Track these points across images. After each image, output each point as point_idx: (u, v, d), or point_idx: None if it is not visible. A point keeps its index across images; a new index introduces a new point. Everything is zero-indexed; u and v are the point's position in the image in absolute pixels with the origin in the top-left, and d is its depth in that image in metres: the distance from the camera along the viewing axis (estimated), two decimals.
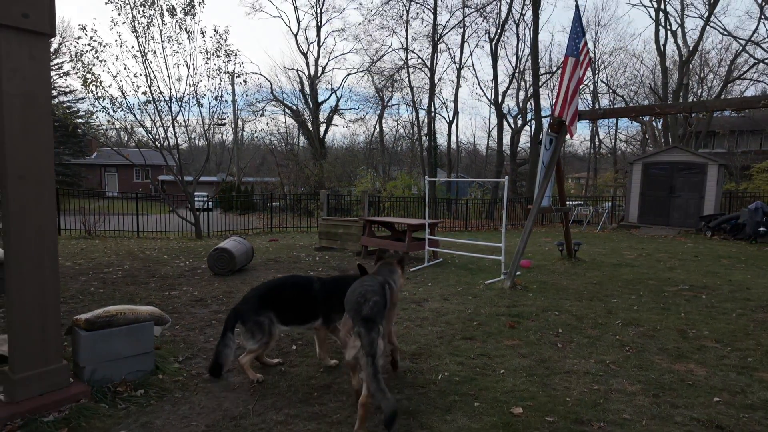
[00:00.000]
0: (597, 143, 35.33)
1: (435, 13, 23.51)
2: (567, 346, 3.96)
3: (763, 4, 24.50)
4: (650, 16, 26.63)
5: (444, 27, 24.39)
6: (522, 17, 24.37)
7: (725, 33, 25.52)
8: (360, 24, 28.38)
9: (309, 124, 30.30)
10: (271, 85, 28.93)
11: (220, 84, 12.25)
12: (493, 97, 25.75)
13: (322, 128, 30.75)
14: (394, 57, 28.96)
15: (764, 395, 3.04)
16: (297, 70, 30.15)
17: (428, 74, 24.78)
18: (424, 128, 27.95)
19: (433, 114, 24.80)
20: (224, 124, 14.50)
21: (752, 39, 24.21)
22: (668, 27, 25.00)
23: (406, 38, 25.97)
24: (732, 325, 4.56)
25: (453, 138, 29.41)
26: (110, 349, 2.97)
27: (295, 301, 3.37)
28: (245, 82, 13.48)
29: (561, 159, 7.08)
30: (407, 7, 25.16)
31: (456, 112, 26.37)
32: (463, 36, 24.23)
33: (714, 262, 8.61)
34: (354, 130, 38.97)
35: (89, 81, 10.67)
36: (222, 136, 13.32)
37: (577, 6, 5.96)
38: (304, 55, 30.09)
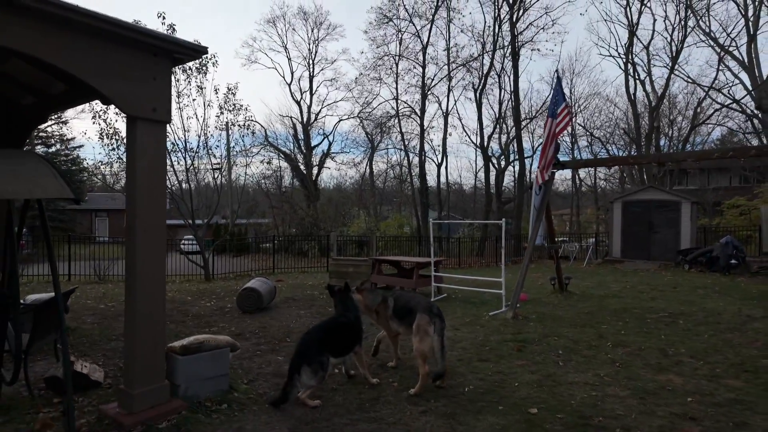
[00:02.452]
0: (578, 182, 36.98)
1: (424, 68, 25.35)
2: (567, 364, 4.69)
3: (722, 54, 26.90)
4: (620, 67, 28.89)
5: (432, 79, 26.16)
6: (503, 68, 26.27)
7: (689, 80, 27.77)
8: (356, 79, 29.91)
9: (302, 168, 31.36)
10: (266, 131, 30.03)
11: (230, 134, 13.15)
12: (479, 141, 27.25)
13: (315, 171, 31.83)
14: (384, 104, 30.55)
15: (728, 396, 3.79)
16: (291, 117, 31.50)
17: (418, 121, 26.28)
18: (414, 170, 29.21)
19: (423, 158, 26.09)
20: (219, 169, 15.26)
21: (713, 86, 26.37)
22: (636, 76, 27.13)
23: (396, 89, 27.65)
24: (704, 344, 5.35)
25: (442, 179, 30.71)
26: (199, 370, 3.62)
27: (343, 337, 4.04)
28: (252, 133, 14.43)
29: (549, 200, 8.01)
30: (397, 62, 26.96)
31: (445, 155, 27.67)
32: (449, 87, 25.97)
33: (691, 292, 9.48)
34: (345, 172, 40.32)
35: (110, 134, 11.48)
36: (217, 180, 14.12)
37: (558, 77, 7.07)
38: (298, 102, 31.55)
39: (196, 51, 3.46)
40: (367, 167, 34.90)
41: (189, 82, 12.57)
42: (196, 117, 12.92)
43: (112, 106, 9.00)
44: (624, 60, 26.95)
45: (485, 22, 38.17)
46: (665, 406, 3.60)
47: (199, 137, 12.98)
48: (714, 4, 34.67)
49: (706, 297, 8.77)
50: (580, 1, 56.18)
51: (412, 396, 3.81)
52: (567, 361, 4.79)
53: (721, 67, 26.69)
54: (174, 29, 11.66)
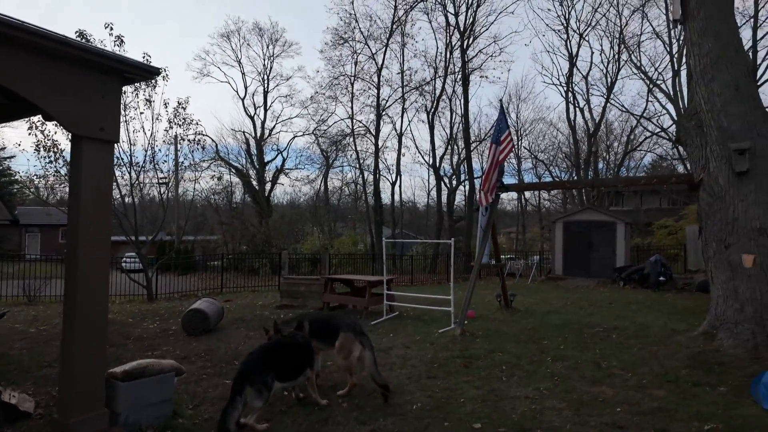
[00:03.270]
0: (524, 201, 38.61)
1: (378, 89, 25.88)
2: (510, 379, 4.91)
3: (651, 86, 29.35)
4: (561, 95, 30.82)
5: (387, 100, 26.72)
6: (454, 92, 27.30)
7: (623, 109, 30.02)
8: (311, 97, 29.97)
9: (254, 183, 30.82)
10: (217, 145, 29.37)
11: (179, 148, 12.81)
12: (431, 161, 27.95)
13: (268, 187, 31.37)
14: (340, 123, 30.80)
15: (652, 404, 4.12)
16: (244, 132, 31.02)
17: (373, 141, 26.67)
18: (369, 187, 29.48)
19: (378, 176, 26.42)
20: (166, 184, 14.77)
21: (644, 115, 28.64)
22: (576, 104, 29.00)
23: (352, 108, 27.99)
24: (634, 356, 5.76)
25: (396, 197, 31.17)
26: (141, 396, 3.50)
27: (291, 359, 3.95)
28: (203, 147, 14.12)
29: (495, 220, 8.43)
30: (352, 82, 27.35)
31: (399, 173, 28.17)
32: (403, 108, 26.62)
33: (624, 307, 10.15)
34: (299, 188, 39.90)
35: (48, 147, 10.87)
36: (163, 195, 13.45)
37: (501, 106, 7.55)
38: (251, 117, 31.16)
39: (148, 72, 3.45)
40: (322, 184, 34.85)
41: (137, 94, 12.19)
42: (143, 130, 12.50)
43: None
44: (565, 89, 28.76)
45: (437, 48, 39.62)
46: (597, 416, 3.86)
47: (146, 151, 12.55)
48: (644, 41, 37.83)
49: (637, 312, 9.42)
50: (525, 32, 59.73)
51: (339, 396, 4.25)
52: (510, 376, 5.02)
53: (650, 98, 29.07)
54: (122, 41, 11.33)
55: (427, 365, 5.40)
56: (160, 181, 14.19)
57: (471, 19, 25.17)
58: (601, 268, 17.38)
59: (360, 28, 26.43)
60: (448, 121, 28.94)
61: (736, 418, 3.72)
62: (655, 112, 29.70)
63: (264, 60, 31.74)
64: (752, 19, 22.93)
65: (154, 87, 12.58)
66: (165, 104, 12.51)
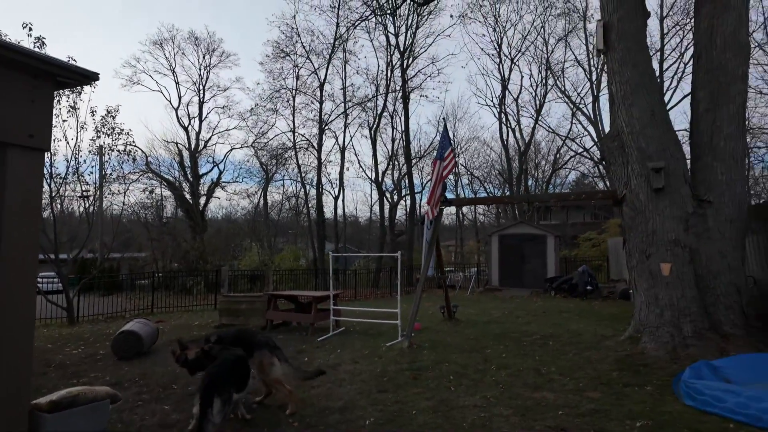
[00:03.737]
0: (461, 216, 39.97)
1: (321, 104, 25.86)
2: (458, 388, 5.02)
3: (574, 109, 31.74)
4: (494, 116, 32.54)
5: (329, 115, 26.74)
6: (395, 110, 27.92)
7: (550, 130, 32.20)
8: (251, 109, 29.21)
9: (188, 197, 29.40)
10: (147, 157, 27.77)
11: (106, 159, 11.99)
12: (374, 176, 28.21)
13: (202, 200, 30.06)
14: (281, 136, 30.32)
15: (589, 406, 4.38)
16: (177, 143, 29.61)
17: (316, 155, 26.49)
18: (311, 201, 29.16)
19: (321, 190, 26.22)
20: (90, 197, 13.72)
21: (569, 136, 30.88)
22: (508, 124, 30.72)
23: (293, 122, 27.69)
24: (570, 362, 6.11)
25: (339, 211, 31.04)
26: (72, 428, 3.19)
27: (243, 372, 3.95)
28: (134, 159, 13.30)
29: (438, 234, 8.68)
30: (294, 95, 27.12)
31: (342, 188, 28.11)
32: (345, 123, 26.76)
33: (557, 315, 10.74)
34: (237, 202, 38.46)
35: None
36: (87, 209, 12.29)
37: (444, 123, 7.84)
38: (185, 128, 29.86)
39: (84, 76, 3.23)
40: (262, 198, 33.96)
41: (59, 101, 11.28)
42: (66, 139, 11.56)
43: None
44: (498, 110, 30.39)
45: (378, 66, 40.46)
46: (541, 420, 4.04)
47: (68, 161, 11.60)
48: (567, 67, 40.98)
49: (569, 319, 10.01)
50: (462, 54, 62.63)
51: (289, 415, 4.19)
52: (458, 385, 5.13)
53: (574, 121, 31.46)
54: (43, 42, 10.47)
55: (376, 379, 5.39)
56: (84, 194, 13.16)
57: (410, 40, 26.01)
58: (534, 279, 18.33)
59: (302, 43, 26.38)
60: (390, 137, 29.47)
61: (663, 414, 4.06)
62: (578, 133, 32.10)
63: (200, 70, 30.69)
64: (658, 53, 25.64)
65: (80, 93, 11.74)
66: (92, 112, 11.66)
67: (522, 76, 35.03)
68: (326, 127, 26.39)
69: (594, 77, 30.88)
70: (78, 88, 11.55)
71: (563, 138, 31.54)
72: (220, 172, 31.14)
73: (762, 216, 6.10)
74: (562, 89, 31.58)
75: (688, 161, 6.56)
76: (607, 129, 31.87)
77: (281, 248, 33.46)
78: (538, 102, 30.53)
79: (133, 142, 12.76)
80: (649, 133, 6.40)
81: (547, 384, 5.17)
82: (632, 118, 6.51)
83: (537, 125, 29.86)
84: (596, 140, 31.22)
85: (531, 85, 33.24)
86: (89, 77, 3.25)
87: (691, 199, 6.19)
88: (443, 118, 8.05)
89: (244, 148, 31.65)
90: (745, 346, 5.51)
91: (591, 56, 30.88)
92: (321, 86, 26.03)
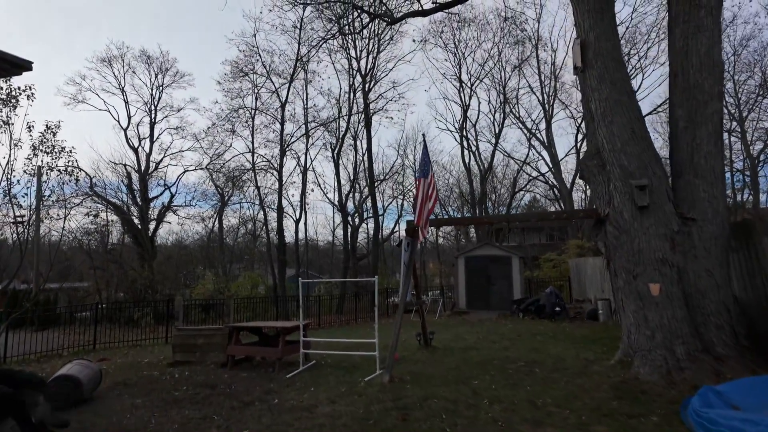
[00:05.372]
0: (424, 239, 40.00)
1: (282, 124, 25.20)
2: (454, 429, 4.50)
3: (529, 135, 32.81)
4: (455, 140, 33.05)
5: (291, 136, 26.11)
6: (358, 132, 27.73)
7: (506, 155, 33.07)
8: (207, 129, 28.02)
9: (137, 222, 27.58)
10: (92, 179, 25.91)
11: (44, 180, 10.81)
12: (337, 199, 27.65)
13: (152, 226, 28.28)
14: (239, 157, 29.27)
15: None
16: (125, 165, 27.88)
17: (276, 176, 25.66)
18: (271, 224, 28.11)
19: (282, 213, 25.31)
20: (23, 221, 12.34)
21: (525, 161, 31.78)
22: (469, 148, 31.26)
23: (252, 142, 26.80)
24: (563, 391, 5.74)
25: (300, 235, 30.09)
26: None
27: None
28: (77, 180, 12.11)
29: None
30: (253, 115, 26.36)
31: (304, 211, 27.29)
32: (307, 144, 26.21)
33: (532, 339, 10.48)
34: (191, 226, 36.36)
35: None
36: (20, 236, 10.90)
37: (424, 141, 7.55)
38: (135, 150, 28.22)
39: (14, 65, 2.58)
40: (216, 222, 32.47)
41: None
42: None
43: None
44: (459, 134, 30.89)
45: (341, 88, 40.40)
46: None
47: None
48: (522, 95, 42.57)
49: (546, 343, 9.75)
50: (423, 79, 64.15)
51: None
52: (453, 425, 4.61)
53: (530, 146, 32.48)
54: None
55: (360, 423, 4.77)
56: (18, 219, 11.78)
57: (372, 64, 26.07)
58: (500, 301, 18.20)
59: (263, 62, 25.80)
60: (351, 160, 29.15)
61: None
62: (533, 158, 33.11)
63: (152, 89, 29.30)
64: None
65: (14, 107, 10.59)
66: (29, 128, 10.50)
67: (479, 102, 35.99)
68: (287, 148, 25.72)
69: (547, 104, 32.18)
70: (12, 102, 10.44)
71: (520, 164, 32.45)
72: (172, 195, 29.50)
73: (741, 233, 6.09)
74: (517, 116, 32.65)
75: (669, 179, 6.52)
76: (560, 154, 33.06)
77: (237, 275, 31.94)
78: (496, 127, 31.32)
79: (76, 162, 11.54)
80: (630, 150, 6.32)
81: (547, 418, 4.75)
82: (613, 135, 6.43)
83: (496, 150, 30.53)
84: (550, 166, 32.35)
85: (490, 111, 34.08)
86: (19, 66, 2.61)
87: (676, 216, 6.11)
88: (423, 135, 7.69)
89: (198, 170, 30.09)
90: (740, 367, 5.35)
91: (543, 84, 32.25)
92: (282, 106, 25.44)
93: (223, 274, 29.39)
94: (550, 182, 33.72)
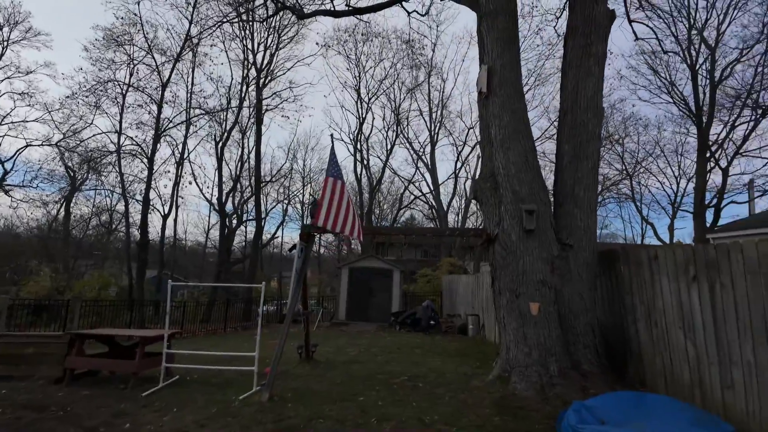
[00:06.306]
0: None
1: (160, 107, 22.52)
2: None
3: (415, 156, 34.36)
4: (348, 151, 33.20)
5: (170, 120, 23.48)
6: (247, 128, 26.13)
7: (394, 173, 34.16)
8: (65, 98, 23.80)
9: None
10: None
11: None
12: (216, 196, 25.58)
13: None
14: (100, 135, 25.39)
15: None
16: None
17: (147, 164, 22.79)
18: (132, 218, 24.81)
19: (148, 206, 22.49)
20: None
21: (411, 180, 33.16)
22: (362, 161, 31.58)
23: (120, 122, 23.50)
24: (449, 407, 5.72)
25: (168, 232, 27.10)
26: None
27: None
28: None
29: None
30: (125, 92, 23.21)
31: (175, 206, 24.64)
32: (186, 132, 23.84)
33: (411, 352, 10.59)
34: (30, 211, 30.13)
35: None
36: None
37: (332, 140, 7.15)
38: None
39: None
40: (63, 209, 27.73)
41: None
42: None
43: None
44: (353, 146, 31.05)
45: (233, 78, 37.92)
46: None
47: None
48: (413, 118, 44.60)
49: (425, 356, 9.90)
50: (321, 85, 63.67)
51: None
52: None
53: (416, 167, 34.03)
54: None
55: None
56: None
57: (269, 60, 24.93)
58: (379, 313, 18.37)
59: (145, 35, 22.94)
60: (237, 157, 27.34)
61: None
62: (417, 178, 34.75)
63: None
64: None
65: None
66: None
67: (373, 118, 36.76)
68: (164, 134, 23.09)
69: (433, 130, 34.12)
70: None
71: (406, 183, 33.79)
72: (6, 172, 24.53)
73: (605, 260, 6.82)
74: (407, 137, 34.04)
75: (552, 207, 7.05)
76: (440, 177, 35.14)
77: (83, 272, 27.57)
78: (388, 143, 32.19)
79: None
80: (523, 177, 6.71)
81: None
82: (509, 161, 6.77)
83: (386, 167, 31.34)
84: (431, 187, 34.25)
85: (383, 128, 34.94)
86: None
87: (556, 242, 6.60)
88: (331, 135, 7.16)
89: (45, 147, 25.44)
90: (601, 383, 5.88)
91: (432, 110, 34.19)
92: (163, 86, 22.81)
93: (65, 270, 25.07)
94: (430, 203, 35.64)
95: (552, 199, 7.12)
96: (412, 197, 35.33)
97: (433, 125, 33.67)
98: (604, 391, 5.59)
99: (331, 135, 7.10)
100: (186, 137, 24.08)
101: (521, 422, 5.12)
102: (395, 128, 32.16)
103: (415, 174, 33.95)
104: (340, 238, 38.11)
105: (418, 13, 12.60)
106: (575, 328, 6.31)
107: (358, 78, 31.11)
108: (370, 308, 18.62)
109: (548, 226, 6.64)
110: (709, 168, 22.69)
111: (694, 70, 22.12)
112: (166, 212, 25.82)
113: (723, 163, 23.08)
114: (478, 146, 33.05)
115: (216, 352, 8.07)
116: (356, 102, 31.00)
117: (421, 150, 34.74)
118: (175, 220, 32.06)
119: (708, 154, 22.27)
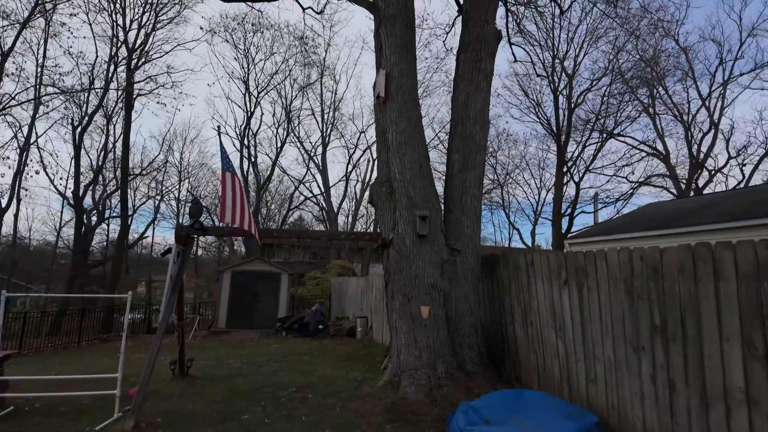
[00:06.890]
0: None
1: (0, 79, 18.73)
2: None
3: (306, 157, 33.72)
4: (234, 146, 31.25)
5: (12, 96, 19.62)
6: (113, 113, 23.07)
7: (284, 172, 33.14)
8: None
9: None
10: None
11: None
12: (72, 189, 22.11)
13: None
14: None
15: None
16: None
17: None
18: None
19: None
20: None
21: (302, 181, 32.49)
22: (249, 158, 29.96)
23: None
24: (341, 419, 5.54)
25: (6, 229, 22.70)
26: None
27: None
28: None
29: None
30: None
31: (17, 198, 20.72)
32: (35, 113, 20.19)
33: (299, 359, 10.21)
34: None
35: None
36: None
37: (219, 135, 6.49)
38: None
39: None
40: None
41: None
42: None
43: None
44: (240, 141, 29.31)
45: (98, 56, 33.40)
46: None
47: None
48: (304, 117, 43.76)
49: (314, 363, 9.60)
50: (205, 73, 59.02)
51: None
52: None
53: (308, 167, 33.42)
54: None
55: None
56: None
57: (143, 40, 22.38)
58: (264, 319, 17.52)
59: None
60: (100, 145, 24.03)
61: None
62: (308, 179, 34.19)
63: None
64: None
65: None
66: None
67: (262, 113, 35.21)
68: (3, 113, 19.30)
69: (325, 132, 33.87)
70: None
71: (296, 183, 32.98)
72: None
73: (487, 265, 7.25)
74: (298, 136, 33.28)
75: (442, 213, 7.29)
76: (331, 180, 35.03)
77: None
78: (278, 141, 31.08)
79: None
80: (417, 183, 6.83)
81: None
82: (404, 168, 6.84)
83: (275, 165, 30.21)
84: (322, 189, 33.94)
85: (273, 124, 33.63)
86: None
87: (446, 247, 6.83)
88: (217, 128, 6.41)
89: None
90: (484, 382, 6.20)
91: (324, 111, 33.91)
92: (4, 56, 19.03)
93: None
94: (320, 204, 35.27)
95: (442, 206, 7.36)
96: (303, 198, 34.61)
97: (325, 126, 33.41)
98: (487, 390, 5.90)
99: (218, 127, 6.49)
100: (34, 118, 20.36)
101: (411, 427, 5.15)
102: (286, 126, 31.21)
103: (306, 174, 33.26)
104: (222, 240, 35.79)
105: (313, 9, 12.24)
106: (461, 330, 6.57)
107: (246, 70, 29.56)
108: (254, 314, 17.66)
109: (439, 232, 6.84)
110: (565, 181, 26.01)
111: (556, 94, 25.18)
112: (4, 205, 21.62)
113: (576, 178, 26.63)
114: (369, 150, 33.60)
115: (66, 375, 6.83)
116: (244, 95, 29.41)
117: (313, 150, 34.24)
118: (16, 215, 27.10)
119: (565, 169, 25.51)
